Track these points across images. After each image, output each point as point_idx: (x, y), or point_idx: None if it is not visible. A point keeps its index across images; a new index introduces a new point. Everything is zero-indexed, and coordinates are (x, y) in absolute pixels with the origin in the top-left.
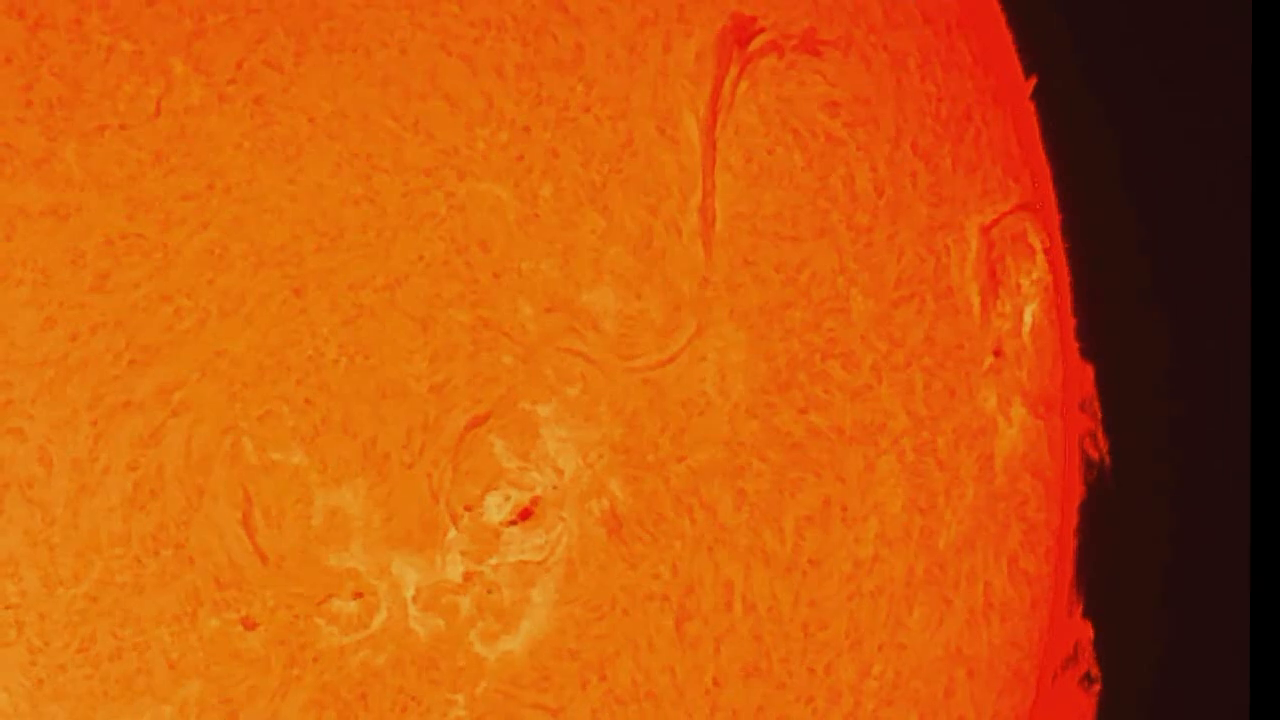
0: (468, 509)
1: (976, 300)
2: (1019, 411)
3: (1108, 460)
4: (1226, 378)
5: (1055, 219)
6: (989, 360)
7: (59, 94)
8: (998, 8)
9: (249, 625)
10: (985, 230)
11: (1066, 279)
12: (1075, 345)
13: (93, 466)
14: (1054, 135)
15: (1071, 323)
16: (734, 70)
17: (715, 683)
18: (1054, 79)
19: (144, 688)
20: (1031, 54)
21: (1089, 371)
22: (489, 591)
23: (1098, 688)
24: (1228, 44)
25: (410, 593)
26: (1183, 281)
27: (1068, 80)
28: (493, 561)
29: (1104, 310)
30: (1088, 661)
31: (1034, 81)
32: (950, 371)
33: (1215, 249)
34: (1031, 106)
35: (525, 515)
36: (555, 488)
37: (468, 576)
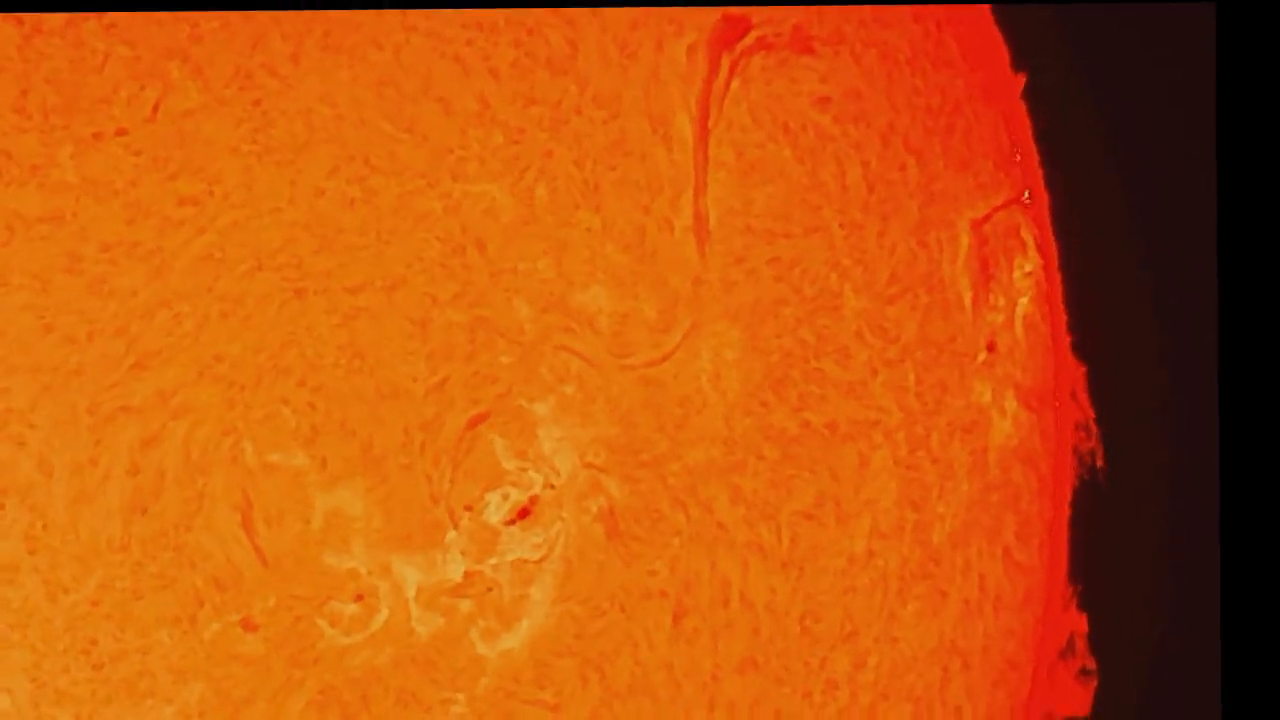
0: (467, 509)
1: (968, 295)
2: (1012, 405)
3: (1100, 452)
4: (1217, 370)
5: (1046, 213)
6: (982, 355)
7: (55, 100)
8: (986, 4)
9: (249, 627)
10: (977, 225)
11: (1058, 272)
12: (1067, 338)
13: (92, 471)
14: (1044, 130)
15: (1063, 316)
16: (725, 68)
17: (713, 678)
18: (1043, 74)
19: (146, 690)
20: (1020, 49)
21: (1081, 364)
22: (489, 590)
23: (1093, 678)
24: (1208, 41)
25: (411, 592)
26: (1173, 274)
27: (1057, 75)
28: (492, 561)
29: (1095, 303)
30: (1083, 652)
31: (1024, 78)
32: (943, 366)
33: (1205, 243)
34: (1021, 101)
35: (523, 514)
36: (553, 487)
37: (468, 576)
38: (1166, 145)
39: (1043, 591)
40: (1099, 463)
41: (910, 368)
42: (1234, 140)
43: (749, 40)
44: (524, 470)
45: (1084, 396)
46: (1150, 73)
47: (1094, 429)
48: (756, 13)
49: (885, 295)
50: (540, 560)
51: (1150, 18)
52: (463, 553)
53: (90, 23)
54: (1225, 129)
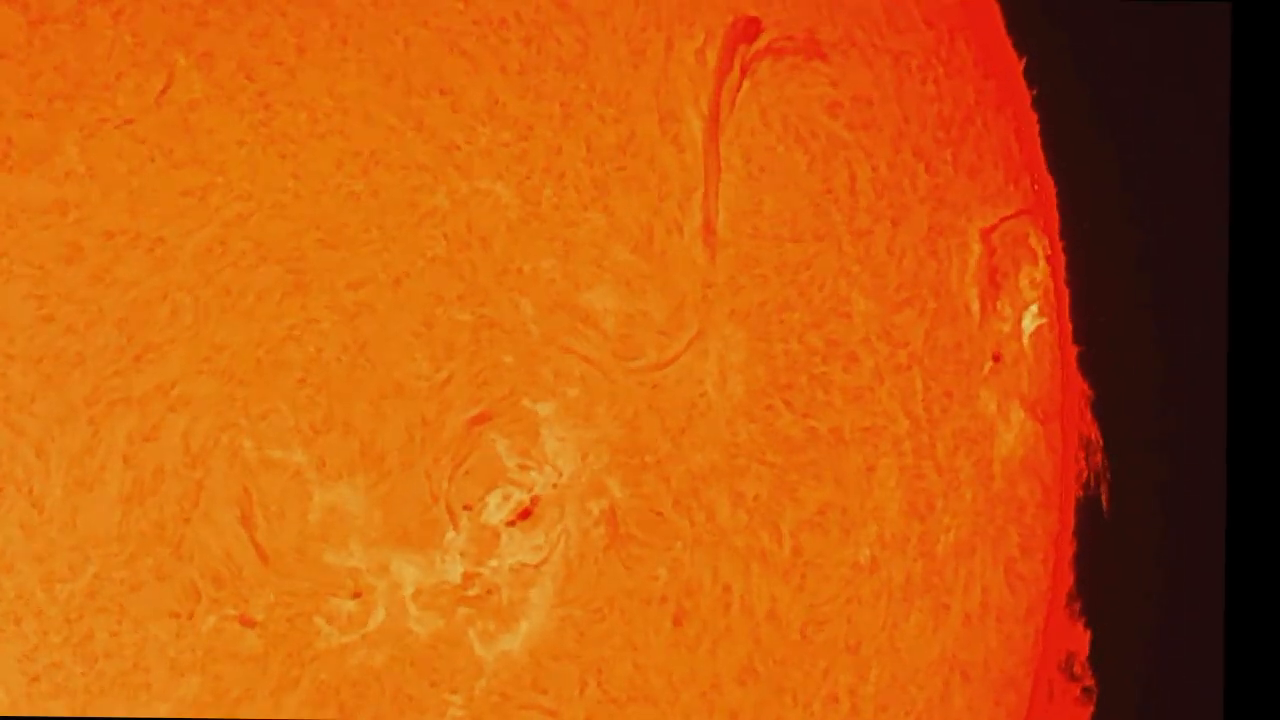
0: (467, 508)
1: (976, 304)
2: (1018, 416)
3: (1105, 465)
4: (1225, 384)
5: (1056, 223)
6: (988, 365)
7: (61, 87)
8: (998, 12)
9: (247, 623)
10: (986, 234)
11: (1065, 284)
12: (1074, 350)
13: (90, 462)
14: (1055, 140)
15: (1070, 328)
16: (736, 70)
17: (712, 685)
18: (1054, 84)
19: (141, 685)
20: (1031, 58)
21: (1087, 377)
22: (488, 592)
23: (1093, 694)
24: (1222, 50)
25: (409, 592)
26: (1184, 286)
27: (1067, 85)
28: (492, 562)
29: (1103, 315)
30: (1083, 668)
31: (1035, 89)
32: (950, 375)
33: (1217, 254)
34: (1033, 111)
35: (525, 515)
36: (554, 488)
37: (467, 577)
38: (1180, 154)
39: (1046, 605)
40: (1104, 476)
41: (917, 375)
42: (1250, 149)
43: (761, 43)
44: (525, 470)
45: (1090, 409)
46: (1164, 79)
47: (1099, 441)
48: (769, 16)
49: (893, 302)
50: (540, 563)
51: (1164, 20)
52: (462, 553)
53: (96, 9)
54: (1240, 136)
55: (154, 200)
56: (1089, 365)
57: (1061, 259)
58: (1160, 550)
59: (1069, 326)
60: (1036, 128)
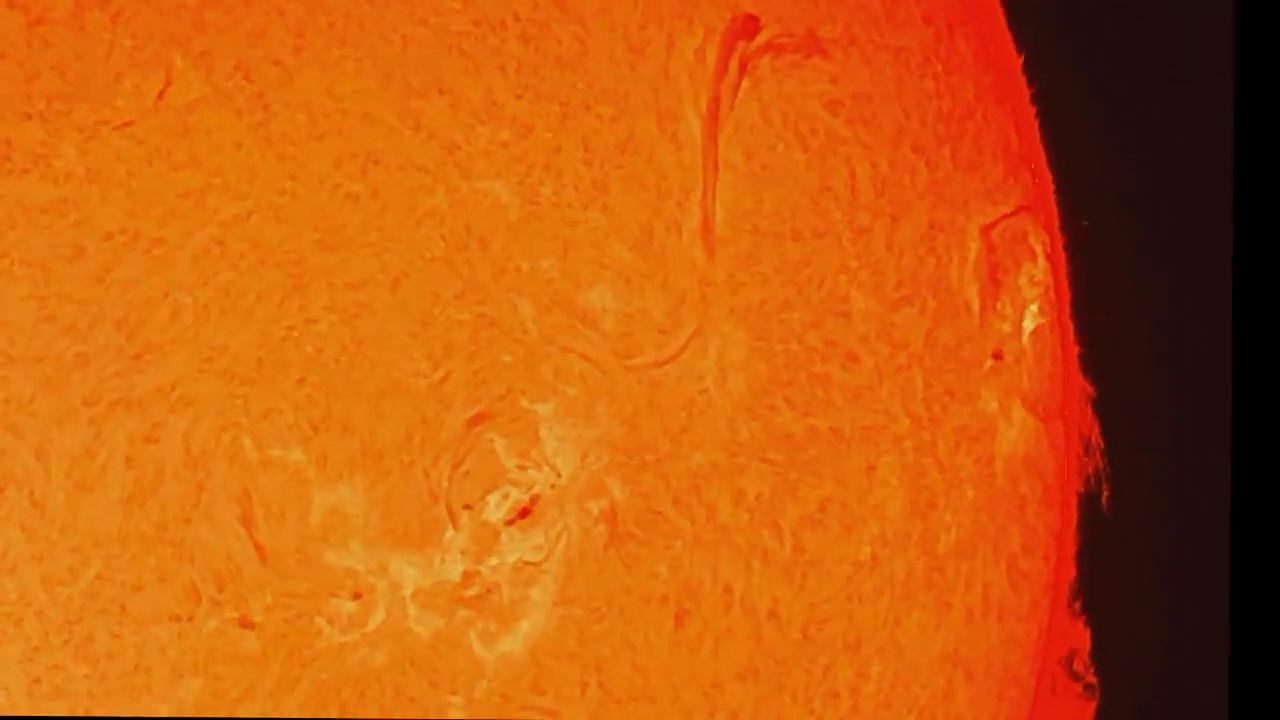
0: (467, 508)
1: (976, 302)
2: (1019, 414)
3: (1107, 462)
4: (1228, 380)
5: (1056, 220)
6: (989, 363)
7: (59, 89)
8: (998, 7)
9: (247, 624)
10: (986, 231)
11: (1067, 281)
12: (1075, 348)
13: (91, 463)
14: (1055, 136)
15: (1071, 325)
16: (735, 68)
17: (713, 684)
18: (1055, 80)
19: (142, 686)
20: (1032, 54)
21: (1088, 375)
22: (488, 591)
23: (1096, 691)
24: (1225, 43)
25: (409, 592)
26: (1184, 283)
27: (1068, 79)
28: (492, 561)
29: (1105, 313)
30: (1086, 665)
31: (1035, 85)
32: (950, 373)
33: (1215, 250)
34: (1032, 107)
35: (524, 514)
36: (554, 487)
37: (467, 576)
38: (1182, 149)
39: (1048, 603)
40: (1106, 473)
41: (918, 373)
42: (1254, 144)
43: (760, 40)
44: (525, 470)
45: (1091, 408)
46: (1165, 72)
47: (1101, 439)
48: (768, 13)
49: (893, 300)
50: (540, 562)
51: (1165, 13)
52: (462, 553)
53: (95, 11)
54: (1244, 131)
55: (153, 201)
56: (1090, 363)
57: (1062, 256)
58: (1163, 547)
59: (1070, 325)
60: (1037, 123)
